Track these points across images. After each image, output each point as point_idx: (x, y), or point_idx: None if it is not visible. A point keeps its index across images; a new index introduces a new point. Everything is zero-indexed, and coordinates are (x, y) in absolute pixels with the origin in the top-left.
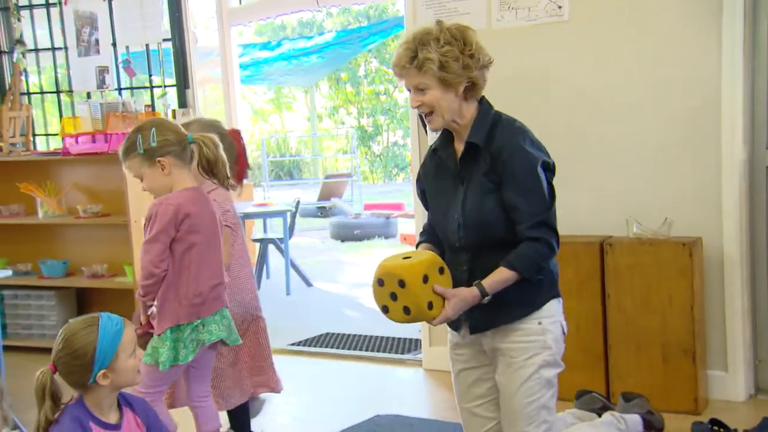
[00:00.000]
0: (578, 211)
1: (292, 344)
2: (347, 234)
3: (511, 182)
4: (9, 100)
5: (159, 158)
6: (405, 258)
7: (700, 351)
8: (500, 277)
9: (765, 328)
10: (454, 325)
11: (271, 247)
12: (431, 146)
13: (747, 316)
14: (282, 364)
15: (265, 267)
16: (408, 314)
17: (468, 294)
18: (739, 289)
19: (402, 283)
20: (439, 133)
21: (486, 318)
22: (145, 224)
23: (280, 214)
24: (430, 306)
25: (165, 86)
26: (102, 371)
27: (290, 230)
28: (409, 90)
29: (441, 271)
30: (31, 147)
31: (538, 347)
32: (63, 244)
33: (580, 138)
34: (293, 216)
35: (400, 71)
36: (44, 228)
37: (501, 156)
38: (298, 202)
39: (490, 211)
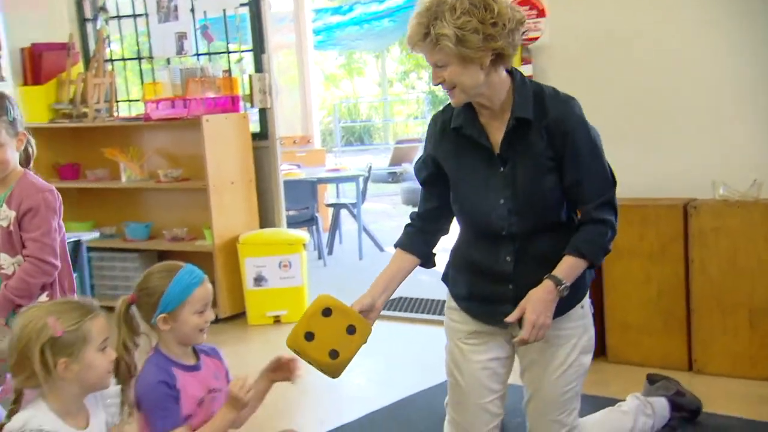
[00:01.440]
0: (661, 173)
1: None
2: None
3: (574, 158)
4: (93, 68)
5: (20, 131)
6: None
7: None
8: (568, 265)
9: None
10: (496, 320)
11: (343, 213)
12: (452, 125)
13: None
14: None
15: (338, 232)
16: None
17: (542, 292)
18: None
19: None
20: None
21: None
22: (23, 215)
23: (353, 179)
24: (334, 354)
25: (241, 51)
26: (163, 315)
27: (362, 195)
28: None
29: (326, 313)
30: (115, 113)
31: (581, 332)
32: (146, 208)
33: (664, 99)
34: (365, 181)
35: (413, 48)
36: (128, 192)
37: (561, 129)
38: (371, 167)
39: (551, 192)
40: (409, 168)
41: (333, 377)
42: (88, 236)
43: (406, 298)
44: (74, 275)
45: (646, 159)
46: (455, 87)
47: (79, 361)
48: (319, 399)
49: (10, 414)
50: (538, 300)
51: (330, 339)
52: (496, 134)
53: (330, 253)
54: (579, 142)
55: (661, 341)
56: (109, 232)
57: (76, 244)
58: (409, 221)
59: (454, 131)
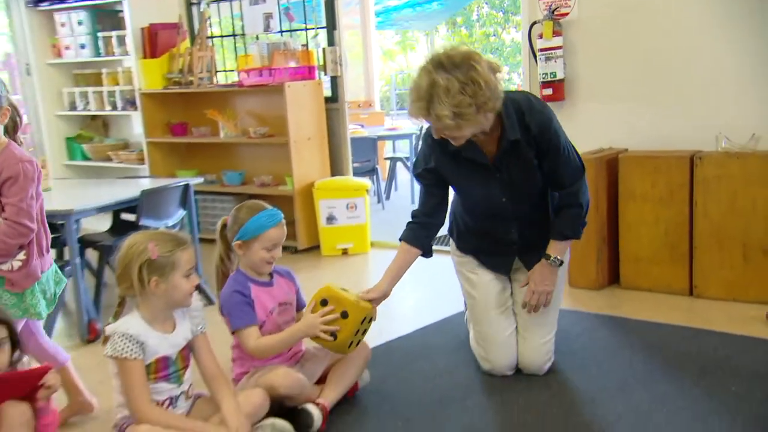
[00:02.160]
0: (671, 128)
1: None
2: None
3: (554, 157)
4: (197, 43)
5: (4, 106)
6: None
7: None
8: (558, 245)
9: None
10: (505, 265)
11: (398, 165)
12: (450, 149)
13: None
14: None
15: (393, 181)
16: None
17: (542, 268)
18: None
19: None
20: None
21: (537, 259)
22: (3, 182)
23: (407, 136)
24: (334, 336)
25: (317, 28)
26: (238, 242)
27: (414, 150)
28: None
29: (324, 303)
30: (215, 81)
31: (564, 267)
32: (239, 159)
33: (675, 65)
34: (417, 138)
35: (416, 119)
36: (225, 146)
37: (544, 138)
38: (422, 128)
39: (539, 183)
40: None
41: (342, 353)
42: (194, 181)
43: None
44: (186, 214)
45: (658, 117)
46: (457, 138)
47: (167, 281)
48: (379, 317)
49: (115, 315)
50: (539, 274)
51: (330, 324)
52: (490, 149)
53: (387, 198)
54: (556, 145)
55: (667, 271)
56: (210, 179)
57: (185, 188)
58: (411, 218)
59: (454, 153)
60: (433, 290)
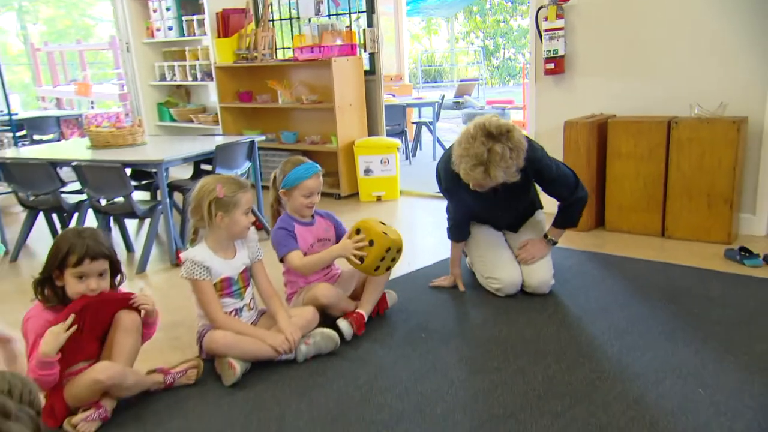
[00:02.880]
0: (652, 97)
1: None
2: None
3: (550, 180)
4: (261, 25)
5: None
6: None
7: (736, 200)
8: (557, 230)
9: None
10: (496, 226)
11: (423, 128)
12: (462, 182)
13: None
14: (431, 206)
15: (419, 141)
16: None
17: (540, 242)
18: None
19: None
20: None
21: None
22: None
23: (430, 104)
24: (362, 260)
25: (358, 12)
26: (283, 190)
27: (436, 116)
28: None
29: (357, 232)
30: (275, 56)
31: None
32: (294, 121)
33: (657, 44)
34: (439, 106)
35: (468, 179)
36: (282, 110)
37: (535, 167)
38: (443, 97)
39: (527, 199)
40: (468, 99)
41: (369, 275)
42: (258, 138)
43: None
44: (251, 165)
45: (643, 87)
46: (484, 187)
47: (230, 216)
48: (406, 252)
49: (191, 242)
50: (535, 246)
51: (378, 227)
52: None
53: (414, 155)
54: (549, 173)
55: (644, 216)
56: (270, 137)
57: (251, 143)
58: (448, 222)
59: (467, 186)
60: None
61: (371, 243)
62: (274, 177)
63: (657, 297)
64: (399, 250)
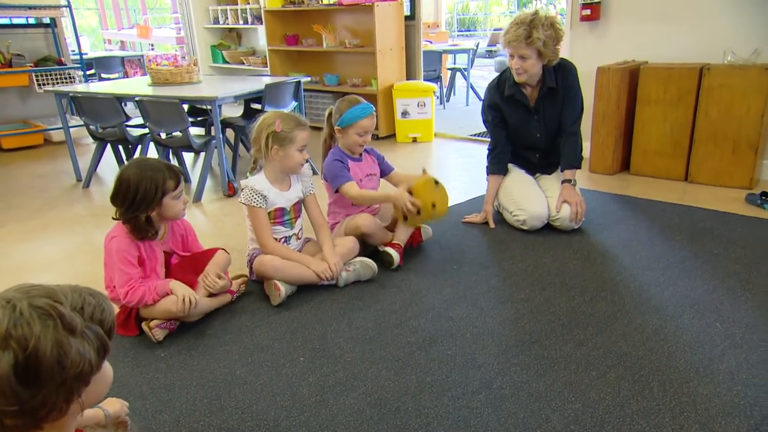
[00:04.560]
0: (685, 44)
1: (472, 134)
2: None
3: (571, 104)
4: None
5: None
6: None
7: (761, 146)
8: (570, 172)
9: None
10: (530, 171)
11: (457, 74)
12: (506, 94)
13: None
14: (464, 149)
15: (453, 87)
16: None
17: (569, 188)
18: None
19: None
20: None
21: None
22: None
23: (465, 51)
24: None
25: None
26: (338, 127)
27: (470, 63)
28: (512, 56)
29: (436, 183)
30: (320, 1)
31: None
32: (336, 64)
33: None
34: (474, 53)
35: (509, 43)
36: (326, 54)
37: (569, 93)
38: (477, 45)
39: (557, 124)
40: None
41: (437, 220)
42: (303, 79)
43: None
44: (295, 103)
45: (677, 34)
46: (526, 72)
47: (284, 151)
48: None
49: (251, 171)
50: (568, 192)
51: (430, 197)
52: (533, 95)
53: (448, 100)
54: (574, 99)
55: (669, 161)
56: (314, 79)
57: (297, 84)
58: (489, 150)
59: (508, 96)
60: (482, 173)
61: (418, 212)
62: (329, 113)
63: (678, 237)
64: (444, 213)
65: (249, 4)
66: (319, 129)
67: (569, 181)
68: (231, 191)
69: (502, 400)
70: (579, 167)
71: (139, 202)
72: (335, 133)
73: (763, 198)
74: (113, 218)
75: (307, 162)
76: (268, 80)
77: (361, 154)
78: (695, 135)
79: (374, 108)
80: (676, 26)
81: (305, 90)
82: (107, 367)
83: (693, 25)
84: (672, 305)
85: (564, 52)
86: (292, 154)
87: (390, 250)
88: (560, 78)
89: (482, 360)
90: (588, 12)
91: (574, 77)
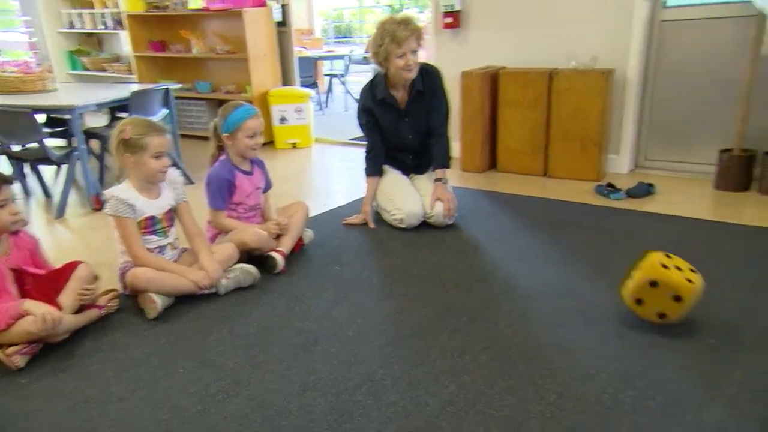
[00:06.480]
0: (536, 50)
1: (351, 138)
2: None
3: (437, 108)
4: None
5: None
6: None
7: (604, 143)
8: (441, 171)
9: (644, 128)
10: (405, 171)
11: (334, 80)
12: (378, 97)
13: (635, 120)
14: (343, 153)
15: (330, 92)
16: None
17: (441, 187)
18: (633, 104)
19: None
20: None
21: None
22: None
23: (340, 57)
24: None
25: None
26: (226, 134)
27: (346, 69)
28: (402, 55)
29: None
30: (186, 6)
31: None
32: (208, 71)
33: (543, 7)
34: (349, 59)
35: (405, 39)
36: (197, 60)
37: (435, 96)
38: (352, 51)
39: (427, 126)
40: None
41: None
42: (172, 86)
43: None
44: (166, 111)
45: (529, 42)
46: (417, 66)
47: (136, 158)
48: (321, 194)
49: (117, 180)
50: (441, 191)
51: (656, 303)
52: (403, 100)
53: (326, 105)
54: (439, 100)
55: (529, 159)
56: (186, 87)
57: (166, 91)
58: (366, 153)
59: (380, 100)
60: (360, 177)
61: (677, 299)
62: (215, 126)
63: (541, 228)
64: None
65: (107, 8)
66: (193, 138)
67: (441, 180)
68: (98, 205)
69: (383, 390)
70: (449, 167)
71: None
72: (224, 146)
73: (609, 189)
74: None
75: (178, 169)
76: (135, 87)
77: (252, 168)
78: (550, 134)
79: (258, 110)
80: (528, 35)
81: (177, 98)
82: None
83: (542, 35)
84: (537, 292)
85: (429, 57)
86: (145, 161)
87: (274, 254)
88: (427, 82)
89: (364, 355)
90: (450, 20)
91: (439, 81)
